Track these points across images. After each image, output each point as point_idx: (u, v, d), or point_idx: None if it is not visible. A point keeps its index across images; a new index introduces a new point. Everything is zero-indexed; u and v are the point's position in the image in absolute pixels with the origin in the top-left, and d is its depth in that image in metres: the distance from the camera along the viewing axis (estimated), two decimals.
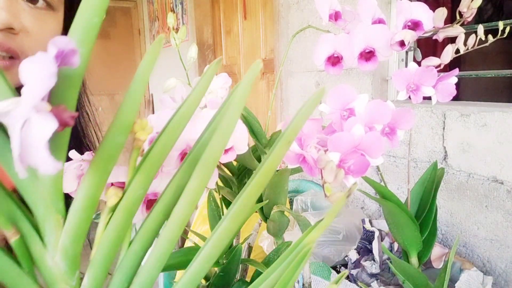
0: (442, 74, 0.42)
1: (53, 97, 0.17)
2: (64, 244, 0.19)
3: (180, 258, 0.46)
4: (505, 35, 0.43)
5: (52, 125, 0.14)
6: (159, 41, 0.20)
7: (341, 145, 0.29)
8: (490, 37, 0.43)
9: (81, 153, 0.32)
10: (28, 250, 0.19)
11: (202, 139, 0.22)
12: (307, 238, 0.19)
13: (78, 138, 0.53)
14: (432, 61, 0.40)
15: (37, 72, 0.14)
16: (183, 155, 0.32)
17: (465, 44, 0.42)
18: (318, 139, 0.32)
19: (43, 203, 0.19)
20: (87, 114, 0.54)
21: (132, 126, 0.19)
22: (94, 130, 0.56)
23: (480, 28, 0.42)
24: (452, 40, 0.42)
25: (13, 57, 0.38)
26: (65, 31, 0.42)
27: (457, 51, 0.41)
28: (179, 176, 0.21)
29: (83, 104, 0.53)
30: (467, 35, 0.41)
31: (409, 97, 0.42)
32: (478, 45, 0.42)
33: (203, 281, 0.53)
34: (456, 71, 0.42)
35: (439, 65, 0.41)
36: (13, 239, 0.19)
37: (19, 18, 0.37)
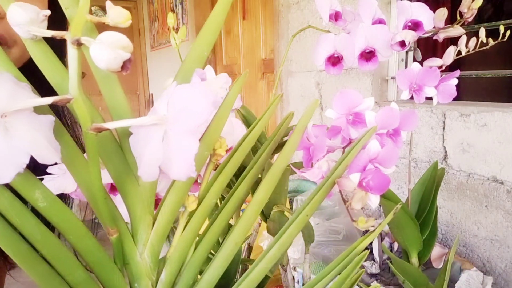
0: (443, 75, 0.42)
1: None
2: (152, 242, 0.21)
3: None
4: (505, 39, 0.43)
5: (196, 145, 0.17)
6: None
7: (359, 164, 0.29)
8: (490, 40, 0.43)
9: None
10: (122, 247, 0.21)
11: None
12: (360, 245, 0.23)
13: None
14: (435, 62, 0.40)
15: (200, 102, 0.17)
16: None
17: (466, 46, 0.42)
18: (328, 147, 0.31)
19: (141, 205, 0.21)
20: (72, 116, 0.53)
21: (215, 143, 0.22)
22: None
23: (482, 31, 0.42)
24: (452, 40, 0.42)
25: (1, 43, 0.37)
26: (50, 8, 0.40)
27: (459, 53, 0.42)
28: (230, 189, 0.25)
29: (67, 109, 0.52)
30: (468, 36, 0.41)
31: (411, 97, 0.42)
32: (479, 47, 0.42)
33: None
34: (457, 72, 0.42)
35: (441, 66, 0.41)
36: (114, 236, 0.21)
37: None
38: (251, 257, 0.58)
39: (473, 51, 0.42)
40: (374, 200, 0.29)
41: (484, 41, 0.42)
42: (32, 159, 0.17)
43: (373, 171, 0.29)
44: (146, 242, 0.21)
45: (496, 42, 0.43)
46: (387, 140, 0.33)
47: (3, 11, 0.33)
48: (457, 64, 0.43)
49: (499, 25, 0.44)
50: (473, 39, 0.42)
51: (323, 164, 0.29)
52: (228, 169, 0.23)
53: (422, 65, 0.42)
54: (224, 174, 0.23)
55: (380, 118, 0.32)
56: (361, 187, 0.28)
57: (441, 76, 0.41)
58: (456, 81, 0.42)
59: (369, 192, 0.29)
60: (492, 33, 0.44)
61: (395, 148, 0.30)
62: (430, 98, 0.43)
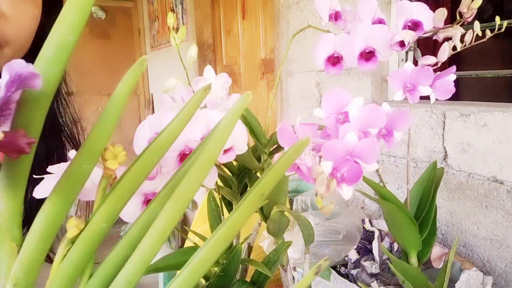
0: (439, 72, 0.42)
1: (17, 120, 0.16)
2: (16, 274, 0.18)
3: (180, 258, 0.46)
4: (502, 30, 0.43)
5: None
6: (140, 63, 0.18)
7: (335, 153, 0.29)
8: (488, 32, 0.42)
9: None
10: None
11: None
12: None
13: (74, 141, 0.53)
14: (429, 59, 0.40)
15: None
16: (181, 156, 0.32)
17: (462, 41, 0.42)
18: (313, 144, 0.31)
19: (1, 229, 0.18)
20: (71, 117, 0.53)
21: (102, 154, 0.18)
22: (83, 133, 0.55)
23: (477, 24, 0.42)
24: (451, 39, 0.42)
25: None
26: (44, 15, 0.40)
27: (454, 48, 0.41)
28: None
29: (65, 109, 0.52)
30: (465, 33, 0.41)
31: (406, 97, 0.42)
32: (475, 41, 0.42)
33: (203, 281, 0.53)
34: (453, 68, 0.42)
35: (436, 64, 0.41)
36: None
37: None
38: (251, 257, 0.58)
39: (469, 46, 0.42)
40: (346, 191, 0.29)
41: (480, 35, 0.42)
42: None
43: (346, 161, 0.29)
44: (8, 274, 0.18)
45: (493, 34, 0.42)
46: (372, 137, 0.33)
47: None
48: (458, 63, 0.42)
49: (497, 24, 0.44)
50: (470, 32, 0.42)
51: (306, 157, 0.29)
52: (125, 184, 0.18)
53: None
54: (118, 191, 0.18)
55: (363, 115, 0.32)
56: (333, 176, 0.28)
57: (436, 73, 0.41)
58: (454, 77, 0.42)
59: (341, 183, 0.29)
60: (492, 31, 0.44)
61: (373, 143, 0.30)
62: (429, 98, 0.43)
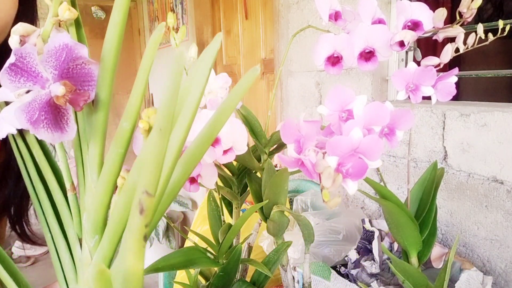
0: (441, 73, 0.42)
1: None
2: (89, 209, 0.23)
3: (180, 258, 0.46)
4: (505, 33, 0.43)
5: None
6: (159, 32, 0.21)
7: (340, 149, 0.29)
8: (490, 35, 0.43)
9: None
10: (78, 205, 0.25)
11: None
12: None
13: None
14: (432, 60, 0.40)
15: None
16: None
17: (464, 43, 0.42)
18: (317, 141, 0.31)
19: (88, 171, 0.24)
20: None
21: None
22: None
23: (480, 27, 0.42)
24: (452, 40, 0.42)
25: None
26: (20, 4, 0.42)
27: (457, 50, 0.41)
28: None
29: None
30: (467, 35, 0.41)
31: (409, 97, 0.42)
32: (478, 44, 0.42)
33: (203, 281, 0.53)
34: (455, 70, 0.42)
35: (439, 65, 0.41)
36: (70, 194, 0.25)
37: None
38: (251, 257, 0.58)
39: (471, 48, 0.42)
40: (351, 186, 0.29)
41: (483, 37, 0.42)
42: None
43: (351, 156, 0.29)
44: (84, 208, 0.23)
45: (495, 37, 0.42)
46: (375, 134, 0.33)
47: None
48: (458, 63, 0.43)
49: (497, 24, 0.44)
50: (472, 36, 0.42)
51: (310, 153, 0.29)
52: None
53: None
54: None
55: (367, 112, 0.32)
56: (338, 172, 0.28)
57: (438, 74, 0.41)
58: (455, 79, 0.42)
59: (346, 178, 0.29)
60: (492, 32, 0.44)
61: (378, 139, 0.30)
62: (429, 98, 0.43)
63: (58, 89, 0.20)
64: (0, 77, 0.19)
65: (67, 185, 0.25)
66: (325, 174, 0.26)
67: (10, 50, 0.20)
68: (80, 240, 0.25)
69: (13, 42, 0.22)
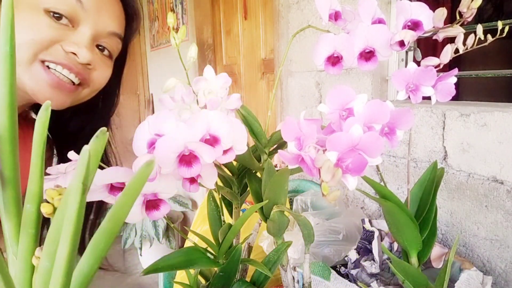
0: (441, 74, 0.42)
1: None
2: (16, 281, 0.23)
3: (180, 258, 0.46)
4: (504, 35, 0.43)
5: None
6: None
7: (340, 145, 0.29)
8: (489, 36, 0.43)
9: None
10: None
11: None
12: None
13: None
14: (432, 61, 0.40)
15: None
16: (181, 157, 0.32)
17: (464, 43, 0.42)
18: (317, 139, 0.31)
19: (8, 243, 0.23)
20: None
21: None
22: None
23: (479, 28, 0.42)
24: (452, 40, 0.42)
25: (81, 84, 0.54)
26: (113, 72, 0.59)
27: (457, 50, 0.41)
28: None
29: None
30: (467, 35, 0.41)
31: (409, 97, 0.41)
32: (477, 44, 0.42)
33: (203, 281, 0.53)
34: (455, 71, 0.42)
35: (439, 65, 0.41)
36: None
37: (94, 59, 0.53)
38: (251, 257, 0.58)
39: (471, 49, 0.42)
40: (350, 181, 0.29)
41: (482, 38, 0.42)
42: None
43: (351, 151, 0.29)
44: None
45: (495, 38, 0.42)
46: (375, 132, 0.33)
47: (92, 64, 0.53)
48: (458, 63, 0.43)
49: (497, 24, 0.44)
50: (471, 36, 0.42)
51: (310, 150, 0.29)
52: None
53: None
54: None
55: (368, 110, 0.32)
56: (338, 167, 0.28)
57: (439, 75, 0.41)
58: (454, 80, 0.42)
59: (346, 173, 0.29)
60: (492, 32, 0.44)
61: (378, 136, 0.30)
62: (429, 98, 0.43)
63: None
64: None
65: None
66: (324, 167, 0.26)
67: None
68: None
69: None
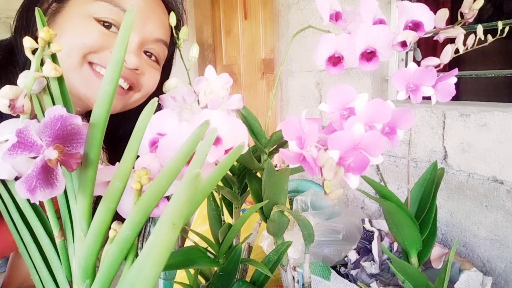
0: (441, 74, 0.42)
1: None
2: (79, 256, 0.25)
3: (180, 258, 0.46)
4: (504, 35, 0.43)
5: None
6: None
7: (341, 143, 0.29)
8: (489, 37, 0.43)
9: None
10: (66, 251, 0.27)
11: None
12: None
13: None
14: (432, 61, 0.40)
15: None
16: None
17: (464, 44, 0.42)
18: (318, 139, 0.32)
19: (76, 221, 0.25)
20: None
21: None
22: None
23: (479, 28, 0.42)
24: (452, 40, 0.42)
25: (131, 88, 0.55)
26: (161, 77, 0.60)
27: (457, 51, 0.41)
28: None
29: None
30: (467, 35, 0.41)
31: (409, 97, 0.42)
32: (477, 44, 0.42)
33: (203, 281, 0.53)
34: (455, 71, 0.42)
35: (439, 65, 0.41)
36: (58, 240, 0.27)
37: (141, 64, 0.54)
38: (251, 257, 0.58)
39: (471, 49, 0.42)
40: (353, 180, 0.29)
41: (482, 38, 0.42)
42: None
43: (353, 150, 0.29)
44: (73, 254, 0.25)
45: (495, 38, 0.42)
46: (376, 131, 0.33)
47: (140, 69, 0.54)
48: (458, 63, 0.43)
49: (497, 24, 0.44)
50: (471, 37, 0.42)
51: (311, 149, 0.30)
52: (142, 203, 0.23)
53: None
54: (137, 208, 0.23)
55: (369, 109, 0.32)
56: (340, 165, 0.28)
57: (439, 75, 0.41)
58: (455, 80, 0.42)
59: (348, 171, 0.29)
60: (492, 32, 0.44)
61: (379, 135, 0.30)
62: (429, 98, 0.43)
63: (51, 154, 0.22)
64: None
65: (55, 232, 0.27)
66: (327, 166, 0.27)
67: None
68: (69, 283, 0.26)
69: (1, 106, 0.24)
